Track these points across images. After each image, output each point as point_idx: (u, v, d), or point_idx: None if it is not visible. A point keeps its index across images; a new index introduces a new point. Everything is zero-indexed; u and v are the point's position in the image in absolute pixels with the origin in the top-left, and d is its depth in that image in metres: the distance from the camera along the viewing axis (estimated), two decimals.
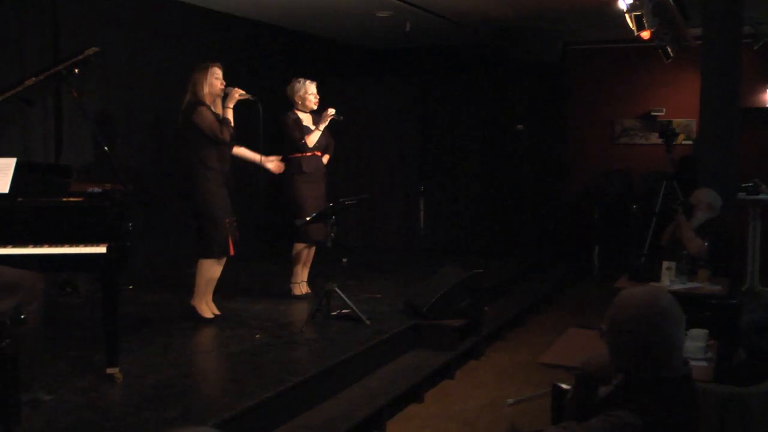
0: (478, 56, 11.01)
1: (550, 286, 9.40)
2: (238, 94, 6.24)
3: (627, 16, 7.95)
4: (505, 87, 10.81)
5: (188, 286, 6.36)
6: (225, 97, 6.24)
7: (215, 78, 6.16)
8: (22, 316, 3.88)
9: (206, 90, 6.13)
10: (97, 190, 4.71)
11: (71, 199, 4.65)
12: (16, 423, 3.85)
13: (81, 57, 5.40)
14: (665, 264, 5.73)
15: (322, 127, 7.03)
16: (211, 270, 6.26)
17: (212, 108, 6.17)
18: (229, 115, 6.25)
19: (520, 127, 10.71)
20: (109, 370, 4.69)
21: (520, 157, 10.83)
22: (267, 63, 9.64)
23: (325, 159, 7.25)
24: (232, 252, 6.20)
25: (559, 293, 9.39)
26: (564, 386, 3.39)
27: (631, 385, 2.58)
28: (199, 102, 6.09)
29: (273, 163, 6.90)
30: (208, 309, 6.34)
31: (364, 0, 8.39)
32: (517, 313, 7.95)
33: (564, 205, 11.21)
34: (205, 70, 6.16)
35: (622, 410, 2.48)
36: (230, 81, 6.29)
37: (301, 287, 7.25)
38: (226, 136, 6.12)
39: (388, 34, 10.30)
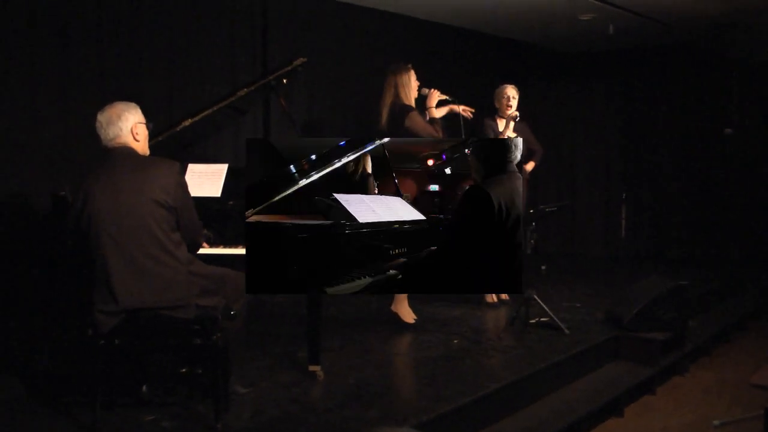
0: (683, 57, 10.55)
1: (758, 300, 8.83)
2: (437, 94, 6.20)
3: None
4: (714, 89, 10.28)
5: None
6: (423, 99, 6.21)
7: (415, 80, 6.12)
8: (232, 312, 4.10)
9: (411, 93, 6.10)
10: None
11: None
12: (225, 410, 4.08)
13: (289, 68, 5.68)
14: None
15: (507, 132, 6.90)
16: None
17: None
18: (436, 114, 6.22)
19: (728, 131, 10.17)
20: (312, 368, 4.84)
21: (728, 163, 10.29)
22: (467, 69, 9.66)
23: (529, 166, 7.08)
24: None
25: None
26: None
27: None
28: (407, 107, 6.01)
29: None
30: (408, 313, 6.36)
31: (567, 3, 8.27)
32: (723, 328, 7.51)
33: None
34: (408, 71, 6.11)
35: None
36: (432, 88, 6.28)
37: (494, 295, 7.19)
38: (440, 135, 6.10)
39: (589, 37, 10.09)
